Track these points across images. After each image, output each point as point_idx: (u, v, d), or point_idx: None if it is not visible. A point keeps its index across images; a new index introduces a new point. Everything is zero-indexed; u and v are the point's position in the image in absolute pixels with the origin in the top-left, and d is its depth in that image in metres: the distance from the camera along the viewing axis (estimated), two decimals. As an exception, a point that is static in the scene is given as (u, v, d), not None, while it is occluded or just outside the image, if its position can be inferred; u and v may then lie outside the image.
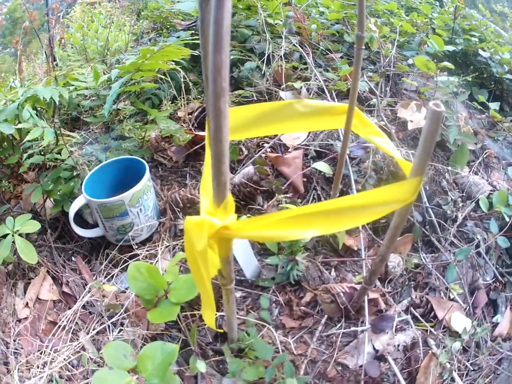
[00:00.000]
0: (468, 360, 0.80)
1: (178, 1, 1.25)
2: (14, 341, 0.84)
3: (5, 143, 1.05)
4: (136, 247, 0.88)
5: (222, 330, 0.71)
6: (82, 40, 1.32)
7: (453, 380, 0.76)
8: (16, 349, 0.82)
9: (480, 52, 1.47)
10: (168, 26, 1.36)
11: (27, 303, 0.91)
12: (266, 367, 0.70)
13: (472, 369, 0.79)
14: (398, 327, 0.82)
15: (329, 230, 0.59)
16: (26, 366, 0.78)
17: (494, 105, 1.34)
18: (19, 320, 0.88)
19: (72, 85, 1.07)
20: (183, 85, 1.00)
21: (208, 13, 0.50)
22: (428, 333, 0.82)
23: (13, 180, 1.15)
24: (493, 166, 1.29)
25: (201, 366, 0.69)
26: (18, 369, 0.77)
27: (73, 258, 0.99)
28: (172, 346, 0.62)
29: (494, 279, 0.97)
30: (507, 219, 1.00)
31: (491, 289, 0.96)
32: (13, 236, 0.86)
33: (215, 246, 0.53)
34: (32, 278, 0.95)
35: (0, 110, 1.01)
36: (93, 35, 1.40)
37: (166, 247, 0.87)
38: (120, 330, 0.81)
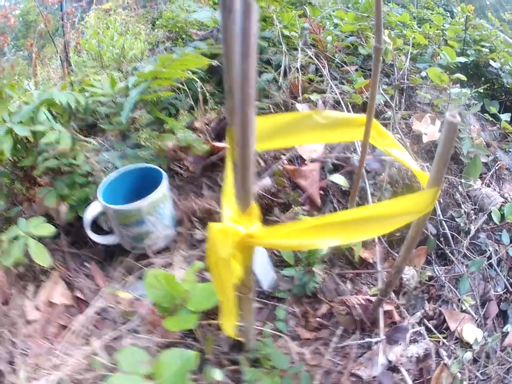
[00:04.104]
0: (478, 370, 0.81)
1: (194, 11, 1.27)
2: (22, 341, 0.83)
3: (19, 146, 1.06)
4: (152, 255, 0.89)
5: (242, 339, 0.72)
6: (97, 46, 1.35)
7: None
8: (24, 350, 0.82)
9: (491, 62, 1.49)
10: (184, 36, 1.38)
11: (37, 306, 0.91)
12: (281, 377, 0.71)
13: (481, 378, 0.80)
14: (411, 338, 0.83)
15: (350, 239, 0.60)
16: (34, 367, 0.78)
17: (505, 117, 1.36)
18: (28, 322, 0.88)
19: (87, 91, 1.09)
20: (200, 95, 1.02)
21: (231, 22, 0.51)
22: (440, 344, 0.83)
23: (25, 182, 1.16)
24: (505, 178, 1.31)
25: (217, 374, 0.70)
26: (25, 369, 0.76)
27: (86, 264, 1.00)
28: (190, 353, 0.63)
29: (505, 290, 0.99)
30: (519, 230, 1.02)
31: (502, 300, 0.98)
32: (26, 238, 0.87)
33: (237, 254, 0.55)
34: (44, 281, 0.96)
35: (15, 111, 1.02)
36: (109, 42, 1.43)
37: (182, 256, 0.88)
38: (135, 337, 0.82)
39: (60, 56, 1.30)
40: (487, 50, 1.51)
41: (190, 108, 1.11)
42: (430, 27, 1.53)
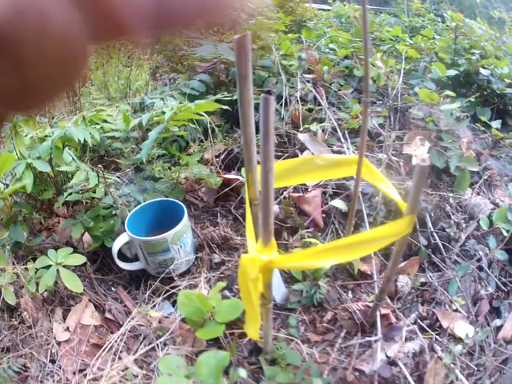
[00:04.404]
0: (472, 361, 1.03)
1: (198, 43, 1.54)
2: (51, 361, 1.05)
3: (38, 180, 1.30)
4: (177, 278, 1.18)
5: (263, 340, 1.01)
6: (103, 77, 1.62)
7: (458, 379, 0.98)
8: (58, 368, 1.03)
9: (481, 70, 1.77)
10: (183, 62, 1.66)
11: (67, 327, 1.13)
12: (295, 373, 1.01)
13: (477, 369, 1.02)
14: (407, 336, 1.09)
15: (348, 259, 0.90)
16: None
17: (496, 124, 1.64)
18: (58, 343, 1.10)
19: (98, 124, 1.36)
20: (209, 129, 1.31)
21: (246, 89, 0.67)
22: (434, 340, 1.08)
23: (42, 212, 1.41)
24: (496, 184, 1.58)
25: (242, 372, 0.98)
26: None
27: (113, 289, 1.28)
28: (224, 353, 0.92)
29: (496, 289, 1.23)
30: (505, 234, 1.27)
31: (494, 298, 1.21)
32: (56, 267, 1.11)
33: (259, 275, 0.85)
34: (72, 305, 1.19)
35: (30, 144, 1.25)
36: (114, 72, 1.69)
37: (205, 278, 1.18)
38: (166, 349, 1.10)
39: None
40: (478, 57, 1.79)
41: (199, 140, 1.40)
42: (422, 38, 1.82)
